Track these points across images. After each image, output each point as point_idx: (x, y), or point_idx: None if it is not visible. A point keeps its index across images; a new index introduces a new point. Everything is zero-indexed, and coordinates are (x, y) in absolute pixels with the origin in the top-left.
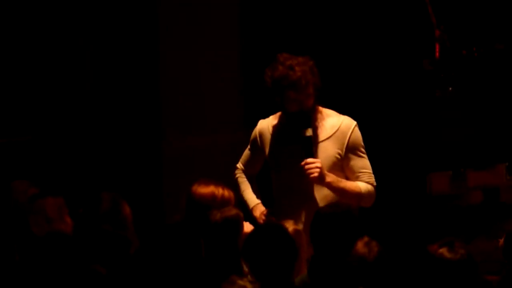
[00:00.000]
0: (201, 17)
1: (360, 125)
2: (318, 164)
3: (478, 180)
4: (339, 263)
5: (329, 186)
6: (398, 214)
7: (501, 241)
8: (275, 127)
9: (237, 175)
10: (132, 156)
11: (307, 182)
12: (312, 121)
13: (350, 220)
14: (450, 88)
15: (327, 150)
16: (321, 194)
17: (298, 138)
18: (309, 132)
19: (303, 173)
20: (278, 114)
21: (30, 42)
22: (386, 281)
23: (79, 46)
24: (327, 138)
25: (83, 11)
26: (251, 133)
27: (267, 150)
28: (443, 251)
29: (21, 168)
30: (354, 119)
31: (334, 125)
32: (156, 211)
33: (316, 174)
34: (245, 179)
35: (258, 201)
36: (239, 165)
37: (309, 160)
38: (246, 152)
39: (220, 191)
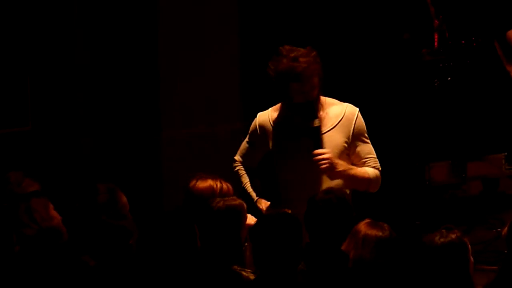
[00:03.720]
0: (201, 8)
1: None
2: (327, 155)
3: (477, 170)
4: (334, 249)
5: (341, 174)
6: (398, 203)
7: (505, 229)
8: (277, 120)
9: (237, 168)
10: (131, 146)
11: (313, 175)
12: (317, 111)
13: (345, 206)
14: (449, 78)
15: (335, 139)
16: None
17: (306, 129)
18: (316, 123)
19: (314, 164)
20: (278, 106)
21: (27, 29)
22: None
23: (77, 36)
24: (333, 127)
25: None
26: (249, 124)
27: (270, 143)
28: (433, 237)
29: (21, 158)
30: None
31: (339, 114)
32: (155, 202)
33: (326, 165)
34: (245, 172)
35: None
36: (238, 157)
37: (318, 151)
38: (244, 145)
39: (219, 185)
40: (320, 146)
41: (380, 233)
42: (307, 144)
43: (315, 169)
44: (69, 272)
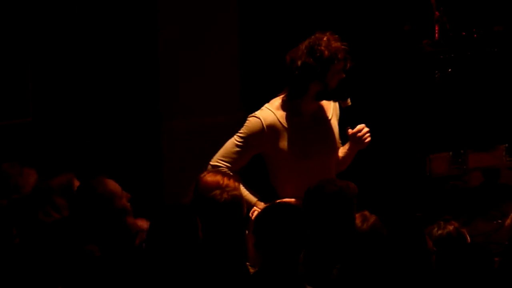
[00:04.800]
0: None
1: (360, 107)
2: (367, 128)
3: (478, 161)
4: (331, 239)
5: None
6: (398, 195)
7: (508, 221)
8: (290, 116)
9: None
10: (131, 138)
11: (327, 167)
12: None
13: (342, 197)
14: (450, 70)
15: (335, 126)
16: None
17: (343, 109)
18: (349, 102)
19: (356, 141)
20: (277, 104)
21: (29, 22)
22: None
23: (79, 28)
24: (332, 115)
25: None
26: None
27: (282, 143)
28: (431, 229)
29: (22, 150)
30: (355, 101)
31: (328, 101)
32: (155, 193)
33: (370, 138)
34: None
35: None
36: (221, 163)
37: (359, 127)
38: (233, 149)
39: (226, 181)
40: (355, 124)
41: (360, 225)
42: (328, 134)
43: (330, 160)
44: (72, 261)
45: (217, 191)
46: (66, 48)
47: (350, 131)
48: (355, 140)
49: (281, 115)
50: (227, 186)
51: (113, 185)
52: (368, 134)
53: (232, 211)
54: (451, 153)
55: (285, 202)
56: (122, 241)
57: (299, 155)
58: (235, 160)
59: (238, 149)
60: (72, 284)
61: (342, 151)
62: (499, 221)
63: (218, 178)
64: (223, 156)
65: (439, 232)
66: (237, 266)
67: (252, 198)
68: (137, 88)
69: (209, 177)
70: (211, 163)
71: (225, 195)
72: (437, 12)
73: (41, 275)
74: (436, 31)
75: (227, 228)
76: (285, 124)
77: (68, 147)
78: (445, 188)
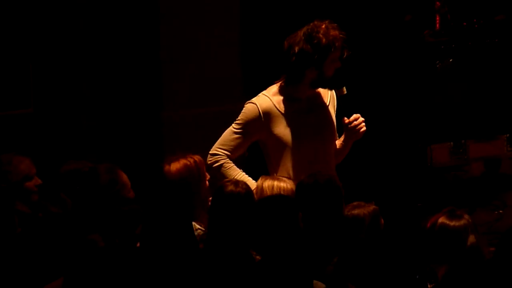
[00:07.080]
0: None
1: (362, 97)
2: (362, 118)
3: (479, 151)
4: (326, 232)
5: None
6: (399, 185)
7: None
8: (287, 102)
9: (222, 161)
10: (132, 127)
11: (323, 152)
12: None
13: (334, 188)
14: (451, 60)
15: (332, 114)
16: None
17: (337, 98)
18: (345, 90)
19: (351, 130)
20: (275, 90)
21: (29, 12)
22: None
23: (79, 19)
24: (330, 102)
25: None
26: None
27: (278, 129)
28: (444, 219)
29: (23, 140)
30: (357, 91)
31: (326, 90)
32: (157, 184)
33: (365, 128)
34: (233, 163)
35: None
36: (220, 151)
37: (355, 116)
38: (232, 136)
39: (191, 161)
40: (350, 114)
41: (360, 215)
42: (319, 121)
43: (327, 146)
44: (75, 250)
45: (227, 184)
46: (67, 39)
47: (345, 120)
48: (351, 129)
49: (277, 100)
50: (196, 164)
51: (123, 176)
52: (363, 124)
53: (244, 203)
54: (452, 143)
55: (280, 195)
56: (127, 231)
57: (295, 140)
58: (234, 147)
59: (236, 136)
60: (74, 274)
61: (338, 143)
62: (500, 211)
63: (184, 161)
64: (222, 145)
65: (453, 223)
66: (242, 254)
67: (252, 183)
68: (138, 79)
69: (175, 166)
70: (210, 152)
71: (239, 189)
72: (438, 2)
73: (43, 265)
74: (437, 21)
75: (236, 219)
76: (281, 110)
77: (69, 138)
78: (446, 178)
